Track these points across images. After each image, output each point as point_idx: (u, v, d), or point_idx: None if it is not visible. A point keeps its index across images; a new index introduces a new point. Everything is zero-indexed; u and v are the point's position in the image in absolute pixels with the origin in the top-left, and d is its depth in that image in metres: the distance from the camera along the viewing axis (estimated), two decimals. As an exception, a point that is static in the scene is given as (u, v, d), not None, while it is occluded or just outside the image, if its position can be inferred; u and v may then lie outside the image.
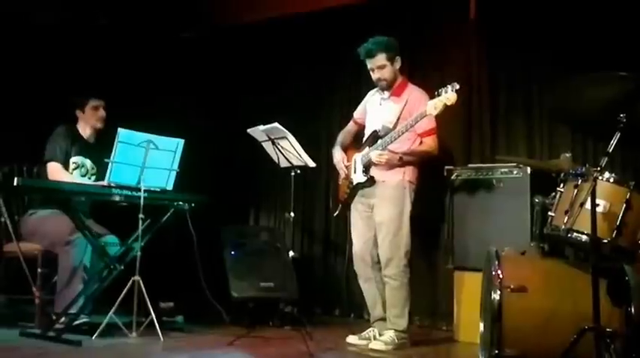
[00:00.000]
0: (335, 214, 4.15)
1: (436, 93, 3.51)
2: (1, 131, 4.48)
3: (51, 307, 3.79)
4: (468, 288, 3.95)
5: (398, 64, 3.86)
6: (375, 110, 3.98)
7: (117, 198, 3.71)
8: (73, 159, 4.08)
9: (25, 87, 4.66)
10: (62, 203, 3.74)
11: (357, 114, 4.17)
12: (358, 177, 3.89)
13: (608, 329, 2.48)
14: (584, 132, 3.76)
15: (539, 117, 4.33)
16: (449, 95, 3.45)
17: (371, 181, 3.84)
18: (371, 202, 3.87)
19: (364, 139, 3.96)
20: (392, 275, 3.76)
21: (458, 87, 3.45)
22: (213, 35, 5.73)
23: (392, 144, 3.73)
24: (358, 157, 3.91)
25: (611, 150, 2.66)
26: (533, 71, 4.33)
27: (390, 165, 3.77)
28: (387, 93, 3.92)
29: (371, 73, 3.88)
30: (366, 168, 3.85)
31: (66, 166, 4.03)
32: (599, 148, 3.84)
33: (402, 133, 3.68)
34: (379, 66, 3.83)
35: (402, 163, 3.77)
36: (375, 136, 3.83)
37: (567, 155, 3.07)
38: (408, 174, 3.81)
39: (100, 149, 4.12)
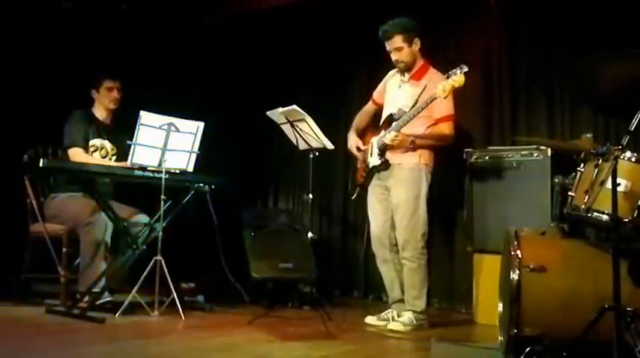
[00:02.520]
0: (353, 197, 4.16)
1: (446, 75, 3.55)
2: (25, 114, 4.55)
3: (75, 286, 3.87)
4: (488, 271, 3.93)
5: (417, 46, 3.83)
6: (394, 92, 3.96)
7: (139, 180, 3.77)
8: (92, 142, 4.13)
9: (50, 70, 4.72)
10: (87, 184, 3.80)
11: (376, 94, 4.16)
12: (374, 161, 3.89)
13: (628, 309, 2.46)
14: (605, 112, 3.72)
15: (561, 100, 4.29)
16: (456, 77, 3.48)
17: (386, 164, 3.84)
18: (387, 185, 3.88)
19: (381, 122, 3.96)
20: (409, 257, 3.77)
21: (466, 69, 3.48)
22: (234, 19, 5.72)
23: (407, 128, 3.72)
24: (374, 140, 3.91)
25: (632, 129, 2.63)
26: (553, 52, 4.27)
27: (403, 148, 3.76)
28: (407, 76, 3.90)
29: (390, 54, 3.87)
30: (382, 152, 3.85)
31: (86, 149, 4.09)
32: (621, 129, 3.78)
33: (414, 116, 3.66)
34: (396, 48, 3.81)
35: (416, 146, 3.75)
36: (391, 120, 3.82)
37: (588, 135, 3.05)
38: (424, 157, 3.81)
39: (117, 130, 4.19)
